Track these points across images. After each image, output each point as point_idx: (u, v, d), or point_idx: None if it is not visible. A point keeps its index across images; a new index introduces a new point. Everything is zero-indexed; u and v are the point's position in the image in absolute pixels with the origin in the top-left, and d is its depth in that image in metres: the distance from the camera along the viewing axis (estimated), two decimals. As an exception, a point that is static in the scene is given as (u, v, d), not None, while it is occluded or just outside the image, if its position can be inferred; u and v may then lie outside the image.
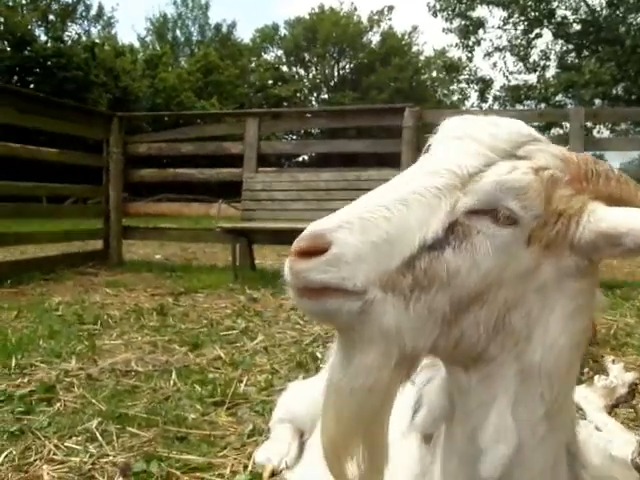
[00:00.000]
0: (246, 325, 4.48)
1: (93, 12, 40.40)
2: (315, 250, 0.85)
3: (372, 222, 0.88)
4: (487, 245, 0.92)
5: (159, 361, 3.55)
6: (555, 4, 21.64)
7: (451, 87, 44.04)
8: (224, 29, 46.07)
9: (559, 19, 21.82)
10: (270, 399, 2.82)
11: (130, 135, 9.11)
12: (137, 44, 42.78)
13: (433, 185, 0.93)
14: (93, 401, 2.84)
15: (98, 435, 2.45)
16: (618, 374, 1.91)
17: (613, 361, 2.01)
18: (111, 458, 2.26)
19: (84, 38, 36.34)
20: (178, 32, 46.68)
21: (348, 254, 0.85)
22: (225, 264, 7.95)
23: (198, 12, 46.63)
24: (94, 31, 41.38)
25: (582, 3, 21.65)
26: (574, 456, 1.09)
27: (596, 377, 1.99)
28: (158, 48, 40.68)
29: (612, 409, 1.86)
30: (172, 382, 3.13)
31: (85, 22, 40.34)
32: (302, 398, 2.20)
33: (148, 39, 46.90)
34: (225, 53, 41.08)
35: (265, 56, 47.54)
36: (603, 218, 0.94)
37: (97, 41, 33.38)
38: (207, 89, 35.51)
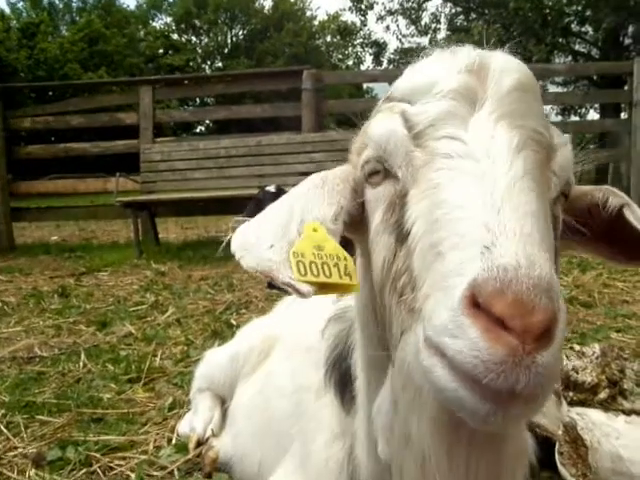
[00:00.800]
0: (155, 299, 4.34)
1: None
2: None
3: (548, 242, 0.68)
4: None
5: (65, 344, 3.37)
6: (442, -33, 22.19)
7: (346, 51, 44.29)
8: (107, -6, 43.51)
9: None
10: (188, 370, 2.75)
11: (11, 110, 8.46)
12: (8, 10, 39.40)
13: (534, 165, 0.74)
14: (-5, 392, 2.65)
15: (2, 428, 2.28)
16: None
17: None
18: (20, 450, 2.12)
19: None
20: (56, -2, 43.59)
21: None
22: (127, 240, 7.66)
23: (77, -24, 43.73)
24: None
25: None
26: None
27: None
28: (34, 15, 37.81)
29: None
30: (82, 364, 2.98)
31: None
32: (219, 365, 2.14)
33: (20, 5, 43.38)
34: (110, 21, 38.88)
35: (154, 24, 45.57)
36: None
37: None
38: (93, 60, 33.57)
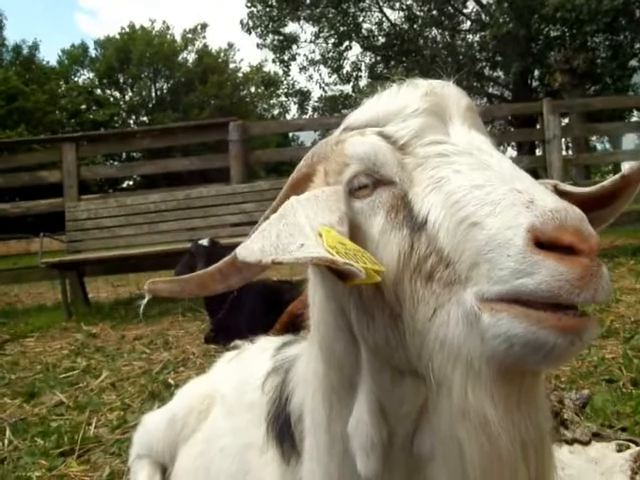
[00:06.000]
0: (87, 363, 4.14)
1: None
2: None
3: None
4: None
5: (-12, 420, 3.14)
6: (360, 19, 23.11)
7: (271, 101, 44.99)
8: (25, 51, 42.70)
9: (365, 33, 23.33)
10: (125, 437, 2.62)
11: None
12: None
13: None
14: None
15: None
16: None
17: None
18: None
19: None
20: (-31, 56, 42.37)
21: None
22: (55, 302, 7.34)
23: (-9, 33, 42.74)
24: None
25: (384, 18, 23.37)
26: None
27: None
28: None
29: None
30: (7, 441, 2.78)
31: None
32: (157, 429, 2.05)
33: None
34: (29, 77, 38.05)
35: (75, 79, 44.91)
36: None
37: None
38: (12, 117, 32.62)
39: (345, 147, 0.94)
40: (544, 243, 0.67)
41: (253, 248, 0.78)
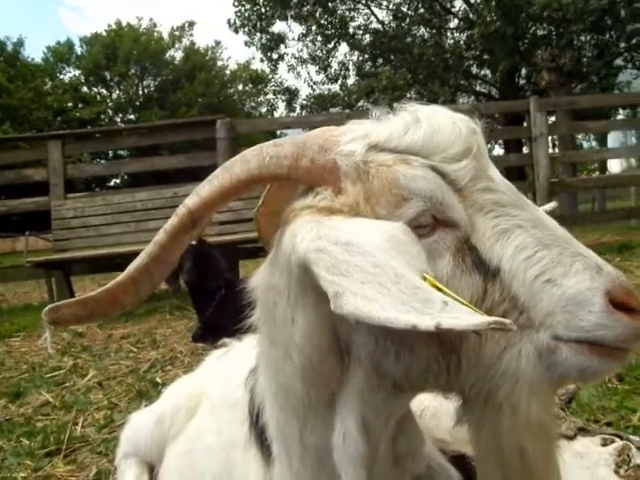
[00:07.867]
0: (74, 362, 4.11)
1: None
2: None
3: None
4: None
5: (-28, 421, 3.11)
6: (348, 18, 23.04)
7: (259, 99, 44.90)
8: (9, 47, 42.20)
9: (353, 31, 23.26)
10: (112, 436, 2.60)
11: None
12: None
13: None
14: None
15: None
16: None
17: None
18: None
19: None
20: (-47, 53, 41.78)
21: None
22: (41, 302, 7.29)
23: (-24, 31, 42.16)
24: None
25: (372, 17, 23.37)
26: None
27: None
28: None
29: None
30: (-8, 441, 2.75)
31: None
32: (145, 428, 2.03)
33: None
34: (14, 74, 37.67)
35: (61, 77, 44.47)
36: None
37: None
38: (-3, 115, 32.35)
39: (400, 177, 0.89)
40: (614, 304, 0.82)
41: (377, 305, 0.70)
